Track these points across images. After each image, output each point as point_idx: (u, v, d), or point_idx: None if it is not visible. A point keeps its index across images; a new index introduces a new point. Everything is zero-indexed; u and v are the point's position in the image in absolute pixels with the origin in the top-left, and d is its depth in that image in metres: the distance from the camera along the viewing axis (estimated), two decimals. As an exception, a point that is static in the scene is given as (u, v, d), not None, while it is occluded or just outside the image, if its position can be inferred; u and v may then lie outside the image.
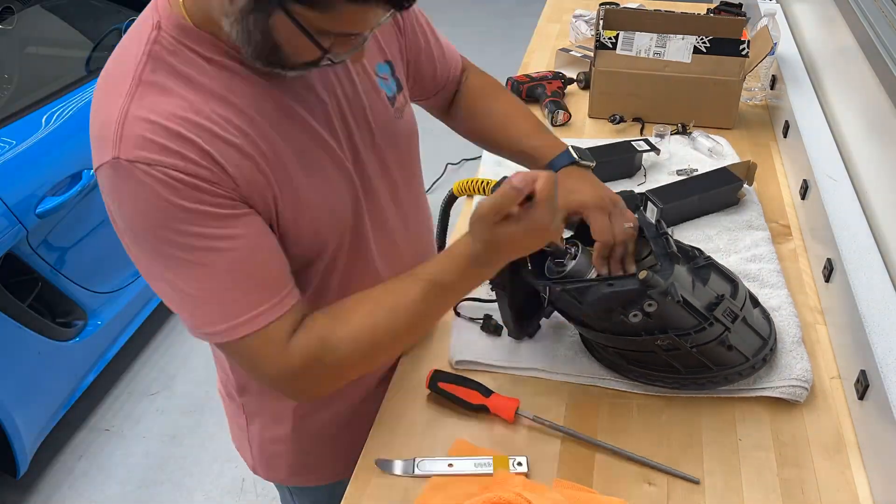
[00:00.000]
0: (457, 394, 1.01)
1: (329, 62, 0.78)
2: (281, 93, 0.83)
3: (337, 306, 0.85)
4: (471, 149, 1.80)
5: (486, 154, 1.57)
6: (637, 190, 1.40)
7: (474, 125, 1.17)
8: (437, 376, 1.03)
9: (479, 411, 1.01)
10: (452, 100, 1.18)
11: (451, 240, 1.30)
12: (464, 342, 1.11)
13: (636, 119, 1.69)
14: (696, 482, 0.92)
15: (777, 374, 1.02)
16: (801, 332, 1.10)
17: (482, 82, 1.18)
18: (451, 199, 1.35)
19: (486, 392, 1.01)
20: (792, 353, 1.05)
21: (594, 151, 1.15)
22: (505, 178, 0.84)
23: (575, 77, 1.87)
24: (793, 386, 1.01)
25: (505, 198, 0.79)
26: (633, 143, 1.49)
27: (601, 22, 1.73)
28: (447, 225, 1.32)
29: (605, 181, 1.06)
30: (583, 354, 1.08)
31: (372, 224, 0.96)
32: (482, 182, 1.13)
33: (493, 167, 1.56)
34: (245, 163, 0.79)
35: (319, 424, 1.08)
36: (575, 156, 1.04)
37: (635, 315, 0.92)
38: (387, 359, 1.01)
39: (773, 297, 1.16)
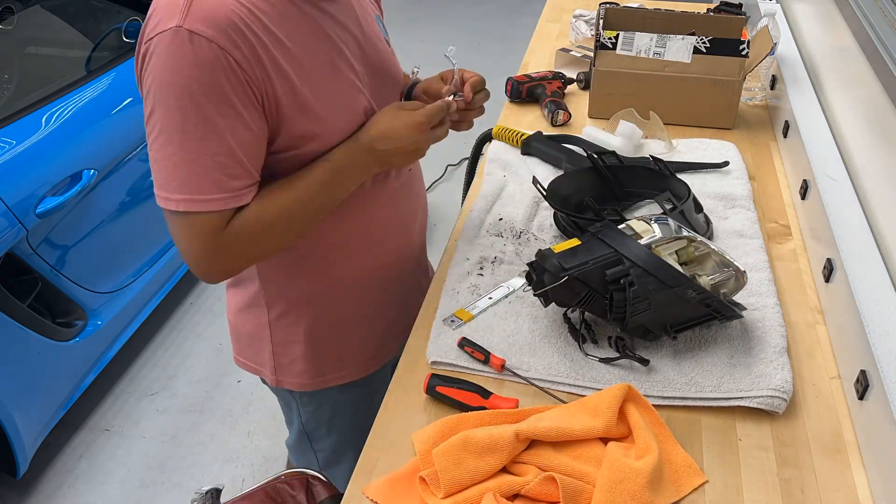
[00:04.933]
0: (455, 397, 1.01)
1: None
2: (321, 18, 0.99)
3: (264, 189, 0.98)
4: (469, 149, 1.80)
5: (487, 155, 1.59)
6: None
7: None
8: (434, 381, 1.03)
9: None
10: None
11: (478, 176, 1.54)
12: (441, 343, 1.10)
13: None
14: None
15: (755, 384, 1.01)
16: (787, 342, 1.09)
17: None
18: (486, 139, 1.65)
19: (485, 394, 1.01)
20: (773, 362, 1.05)
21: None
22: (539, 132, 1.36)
23: (575, 77, 1.87)
24: (771, 396, 1.00)
25: (441, 112, 1.02)
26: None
27: (601, 22, 1.73)
28: (477, 159, 1.64)
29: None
30: (571, 359, 1.08)
31: None
32: (517, 133, 1.60)
33: (495, 168, 1.56)
34: (275, 75, 0.92)
35: (331, 325, 1.19)
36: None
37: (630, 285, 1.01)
38: (291, 240, 1.06)
39: (760, 307, 1.15)
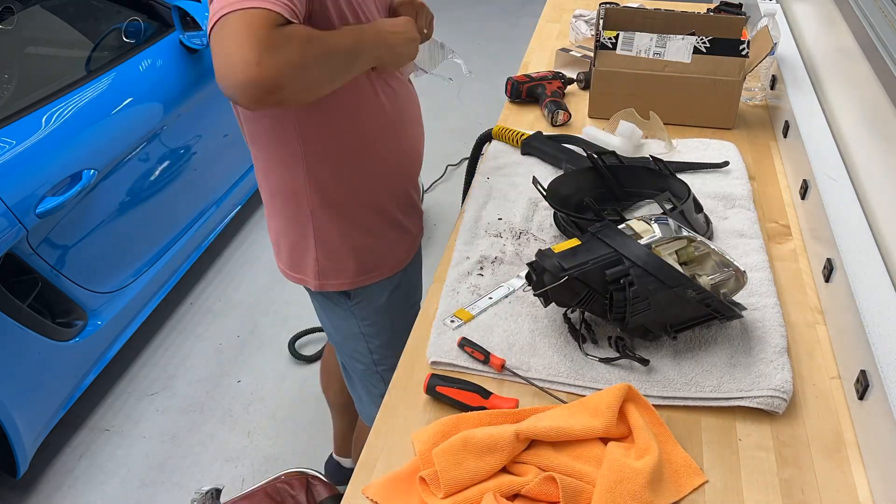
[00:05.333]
0: (455, 397, 1.01)
1: None
2: None
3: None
4: (469, 149, 1.80)
5: (487, 155, 1.59)
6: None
7: None
8: (434, 381, 1.03)
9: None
10: None
11: (477, 176, 1.56)
12: (441, 343, 1.11)
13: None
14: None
15: (755, 384, 1.02)
16: (787, 342, 1.09)
17: None
18: (486, 139, 1.68)
19: (485, 394, 1.01)
20: (773, 362, 1.05)
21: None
22: (539, 132, 1.41)
23: (575, 77, 1.87)
24: (771, 396, 1.00)
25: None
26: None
27: (601, 22, 1.73)
28: (477, 159, 1.66)
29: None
30: (571, 360, 1.08)
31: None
32: (517, 133, 1.61)
33: (491, 169, 1.56)
34: None
35: (369, 218, 1.32)
36: None
37: (630, 285, 1.01)
38: (332, 83, 1.10)
39: (760, 307, 1.15)
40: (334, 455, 2.02)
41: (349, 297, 1.38)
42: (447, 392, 1.02)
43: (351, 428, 1.87)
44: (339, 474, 1.98)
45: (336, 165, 1.24)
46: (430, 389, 1.02)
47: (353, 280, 1.35)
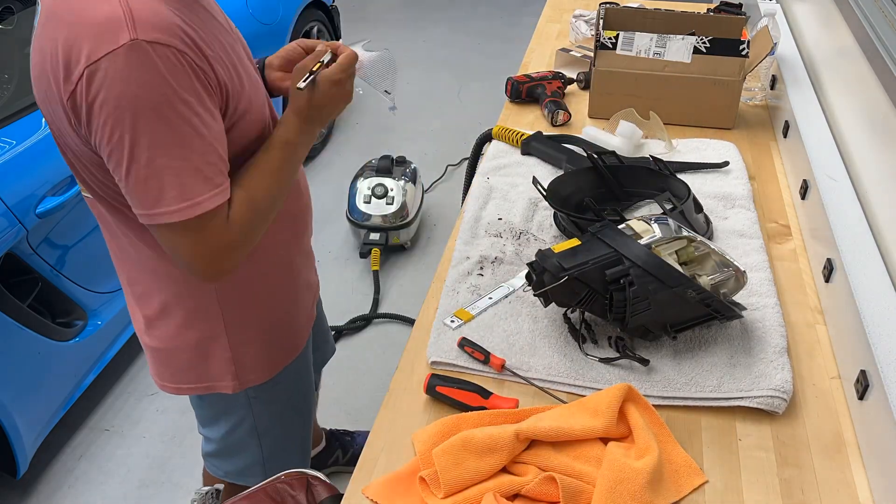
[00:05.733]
0: (455, 397, 1.01)
1: None
2: (209, 16, 1.01)
3: (240, 179, 1.00)
4: (469, 149, 1.80)
5: (487, 155, 1.59)
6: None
7: None
8: (434, 381, 1.03)
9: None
10: None
11: (478, 176, 1.56)
12: (441, 343, 1.11)
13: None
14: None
15: (755, 384, 1.02)
16: (787, 342, 1.09)
17: None
18: (486, 139, 1.68)
19: (485, 394, 1.01)
20: (773, 362, 1.05)
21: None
22: (539, 132, 1.46)
23: (575, 77, 1.87)
24: (771, 396, 1.00)
25: (349, 60, 1.04)
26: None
27: (601, 22, 1.73)
28: (477, 159, 1.68)
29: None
30: (571, 360, 1.08)
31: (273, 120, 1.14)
32: (517, 133, 1.61)
33: (491, 170, 1.56)
34: (216, 64, 0.94)
35: (277, 307, 1.22)
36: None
37: (630, 285, 1.01)
38: (274, 212, 1.08)
39: (760, 307, 1.15)
40: None
41: (254, 389, 1.25)
42: (447, 392, 1.02)
43: None
44: None
45: (246, 275, 1.14)
46: (430, 389, 1.02)
47: (272, 368, 1.24)
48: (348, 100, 1.10)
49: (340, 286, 2.76)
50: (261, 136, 1.06)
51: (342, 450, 2.03)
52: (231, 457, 1.36)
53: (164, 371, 1.21)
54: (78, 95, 0.86)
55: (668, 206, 1.28)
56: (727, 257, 1.11)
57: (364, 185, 2.74)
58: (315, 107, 1.04)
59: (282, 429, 1.35)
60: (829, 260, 1.19)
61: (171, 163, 0.89)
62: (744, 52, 1.60)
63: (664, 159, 1.52)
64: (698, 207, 1.34)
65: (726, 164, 1.52)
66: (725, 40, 1.60)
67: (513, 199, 1.44)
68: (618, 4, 2.01)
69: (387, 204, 2.70)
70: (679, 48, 1.62)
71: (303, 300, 1.28)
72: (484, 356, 1.07)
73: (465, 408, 1.01)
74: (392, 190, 2.71)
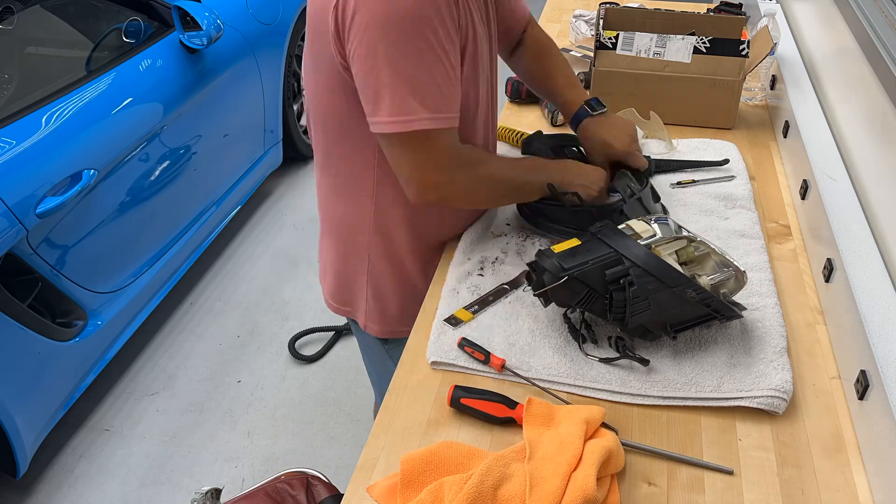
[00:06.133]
0: (481, 408, 0.99)
1: None
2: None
3: (494, 155, 1.20)
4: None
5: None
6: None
7: (531, 73, 1.45)
8: (458, 392, 1.00)
9: (506, 424, 0.99)
10: (517, 45, 1.43)
11: None
12: (441, 343, 1.10)
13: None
14: (730, 472, 0.93)
15: (755, 384, 1.01)
16: (787, 342, 1.09)
17: (544, 38, 1.44)
18: None
19: (511, 404, 0.99)
20: (773, 362, 1.04)
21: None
22: (539, 131, 1.48)
23: (575, 77, 1.87)
24: (771, 396, 1.00)
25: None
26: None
27: (601, 22, 1.73)
28: None
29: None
30: (571, 360, 1.08)
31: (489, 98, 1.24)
32: (517, 133, 1.63)
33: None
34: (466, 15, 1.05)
35: (412, 279, 1.30)
36: (588, 110, 1.34)
37: (629, 285, 1.01)
38: (493, 202, 1.27)
39: (760, 307, 1.15)
40: None
41: (386, 342, 1.38)
42: (473, 404, 0.99)
43: None
44: None
45: (405, 214, 1.23)
46: (454, 402, 1.00)
47: (394, 330, 1.34)
48: (592, 191, 1.22)
49: (340, 286, 2.76)
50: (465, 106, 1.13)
51: None
52: None
53: (324, 280, 1.40)
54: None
55: (627, 193, 1.29)
56: (727, 257, 1.11)
57: (364, 185, 2.74)
58: (577, 175, 1.22)
59: None
60: (829, 260, 1.19)
61: (420, 74, 0.98)
62: (744, 52, 1.60)
63: (664, 159, 1.53)
64: (656, 197, 1.35)
65: (726, 161, 1.52)
66: (725, 40, 1.60)
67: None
68: (618, 4, 2.01)
69: (387, 204, 2.70)
70: (679, 48, 1.62)
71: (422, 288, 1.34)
72: (484, 356, 1.07)
73: (490, 419, 0.99)
74: (392, 190, 2.71)
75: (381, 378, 1.49)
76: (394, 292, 1.31)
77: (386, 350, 1.40)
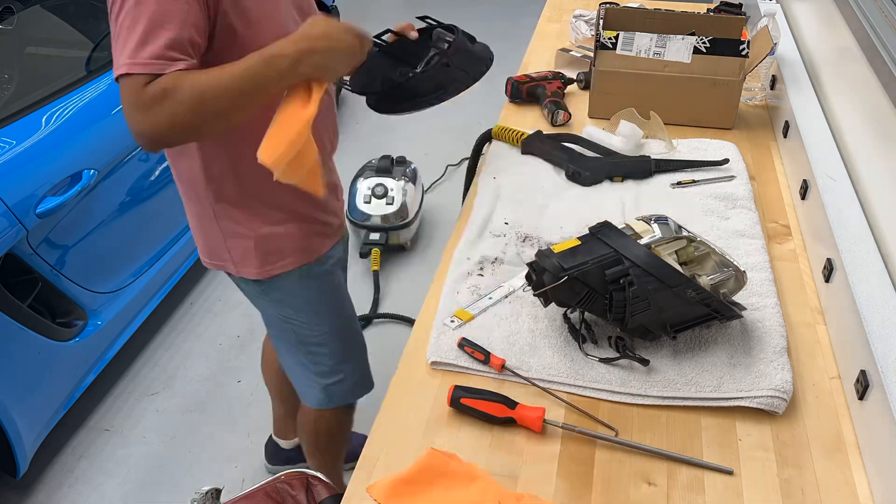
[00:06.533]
0: (481, 409, 0.99)
1: None
2: None
3: (208, 69, 1.06)
4: (470, 149, 1.80)
5: (487, 155, 1.60)
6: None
7: None
8: (458, 392, 1.01)
9: (505, 424, 0.99)
10: None
11: (477, 176, 1.58)
12: (441, 343, 1.10)
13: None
14: (730, 472, 0.93)
15: (755, 384, 1.01)
16: (787, 342, 1.09)
17: None
18: (486, 139, 1.69)
19: (512, 404, 0.99)
20: (773, 362, 1.05)
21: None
22: (539, 131, 1.50)
23: (575, 77, 1.87)
24: (771, 396, 1.00)
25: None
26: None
27: (601, 22, 1.73)
28: (477, 159, 1.68)
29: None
30: (571, 360, 1.08)
31: None
32: (517, 133, 1.62)
33: (492, 170, 1.56)
34: None
35: (270, 216, 1.30)
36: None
37: (630, 285, 1.01)
38: (224, 119, 1.10)
39: (760, 307, 1.15)
40: (273, 436, 2.06)
41: (260, 283, 1.38)
42: (473, 404, 0.99)
43: (290, 411, 1.89)
44: (277, 455, 2.05)
45: (229, 161, 1.24)
46: (454, 402, 1.00)
47: (260, 270, 1.34)
48: (355, 58, 1.12)
49: (340, 286, 2.76)
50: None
51: None
52: None
53: (196, 240, 1.41)
54: None
55: (444, 46, 1.34)
56: (727, 257, 1.11)
57: (364, 186, 2.74)
58: (321, 38, 1.07)
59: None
60: (829, 260, 1.19)
61: (126, 24, 1.04)
62: (744, 52, 1.60)
63: (664, 159, 1.53)
64: (471, 39, 1.39)
65: (726, 161, 1.52)
66: (725, 40, 1.60)
67: (518, 199, 1.44)
68: (618, 4, 2.01)
69: (387, 204, 2.70)
70: (679, 48, 1.62)
71: (296, 230, 1.34)
72: (484, 356, 1.07)
73: (490, 419, 0.99)
74: (392, 190, 2.71)
75: (277, 328, 1.48)
76: (247, 236, 1.31)
77: (261, 290, 1.40)
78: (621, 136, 1.57)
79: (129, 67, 1.02)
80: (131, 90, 1.02)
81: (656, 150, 1.58)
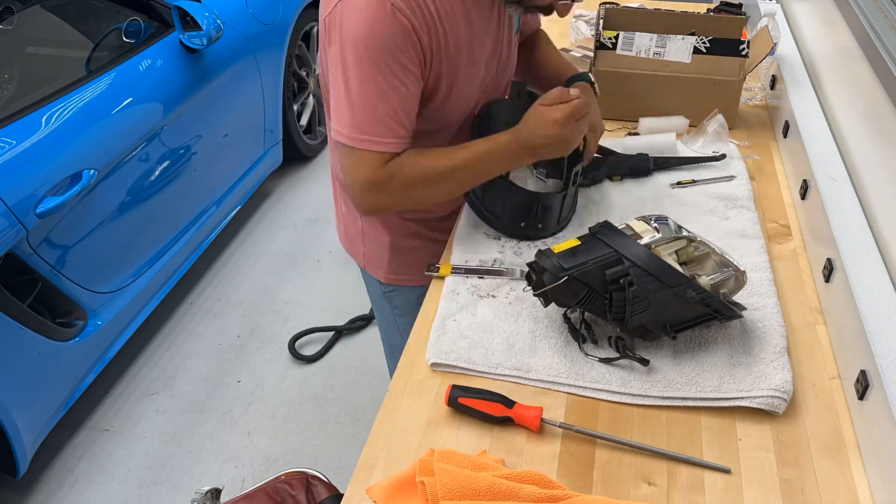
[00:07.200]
0: (479, 408, 0.99)
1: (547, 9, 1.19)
2: (477, 12, 1.19)
3: (428, 149, 1.19)
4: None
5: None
6: None
7: (527, 62, 1.52)
8: (455, 392, 1.00)
9: (504, 424, 0.99)
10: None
11: None
12: (441, 344, 1.10)
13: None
14: (728, 471, 0.93)
15: (755, 384, 1.01)
16: (787, 342, 1.09)
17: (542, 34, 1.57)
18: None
19: (509, 403, 0.99)
20: (773, 362, 1.04)
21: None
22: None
23: (575, 77, 1.87)
24: (771, 396, 1.00)
25: (574, 109, 1.15)
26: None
27: (601, 22, 1.73)
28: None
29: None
30: (571, 360, 1.08)
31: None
32: None
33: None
34: (436, 44, 1.13)
35: (408, 233, 1.43)
36: (592, 77, 1.39)
37: (630, 285, 1.01)
38: (438, 198, 1.29)
39: (760, 307, 1.15)
40: None
41: (383, 285, 1.51)
42: (470, 403, 0.99)
43: None
44: None
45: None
46: (451, 401, 1.00)
47: (387, 276, 1.48)
48: (567, 145, 1.19)
49: (340, 286, 2.76)
50: (462, 124, 1.28)
51: None
52: None
53: (338, 227, 1.57)
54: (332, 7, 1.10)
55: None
56: (727, 257, 1.11)
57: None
58: (531, 136, 1.17)
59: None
60: (829, 260, 1.19)
61: (369, 96, 1.09)
62: (744, 52, 1.60)
63: (662, 157, 1.52)
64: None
65: (723, 156, 1.52)
66: (725, 40, 1.60)
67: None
68: (618, 4, 2.01)
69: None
70: (679, 48, 1.62)
71: (427, 251, 1.44)
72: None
73: (489, 419, 0.99)
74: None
75: (386, 324, 1.62)
76: (384, 244, 1.43)
77: (384, 293, 1.52)
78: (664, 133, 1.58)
79: (361, 143, 1.12)
80: (370, 165, 1.13)
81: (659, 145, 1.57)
